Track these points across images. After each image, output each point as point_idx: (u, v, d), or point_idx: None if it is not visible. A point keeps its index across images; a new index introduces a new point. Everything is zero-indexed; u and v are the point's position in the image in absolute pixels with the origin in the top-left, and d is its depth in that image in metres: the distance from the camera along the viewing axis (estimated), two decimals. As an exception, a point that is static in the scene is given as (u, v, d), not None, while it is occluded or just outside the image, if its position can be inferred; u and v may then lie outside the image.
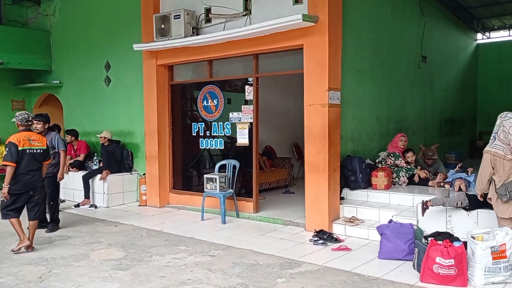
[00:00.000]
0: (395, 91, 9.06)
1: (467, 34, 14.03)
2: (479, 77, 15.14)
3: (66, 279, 4.84)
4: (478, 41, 15.01)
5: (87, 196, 9.11)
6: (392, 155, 7.66)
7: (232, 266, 5.21)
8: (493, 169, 4.72)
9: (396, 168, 7.58)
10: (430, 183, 7.35)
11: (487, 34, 14.99)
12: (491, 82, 14.86)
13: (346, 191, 7.35)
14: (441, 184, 6.98)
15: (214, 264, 5.26)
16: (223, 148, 8.48)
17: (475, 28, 14.30)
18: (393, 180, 7.51)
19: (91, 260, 5.49)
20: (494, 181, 4.75)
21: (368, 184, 7.29)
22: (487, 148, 4.81)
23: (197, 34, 8.02)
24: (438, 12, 11.34)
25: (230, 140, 8.37)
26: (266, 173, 10.07)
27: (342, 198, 7.25)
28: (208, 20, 8.07)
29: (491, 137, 4.82)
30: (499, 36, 15.04)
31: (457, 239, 4.89)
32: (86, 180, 9.09)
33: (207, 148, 8.63)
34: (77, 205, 9.05)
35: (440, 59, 11.60)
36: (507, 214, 4.71)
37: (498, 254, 4.53)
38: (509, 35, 14.88)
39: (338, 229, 6.61)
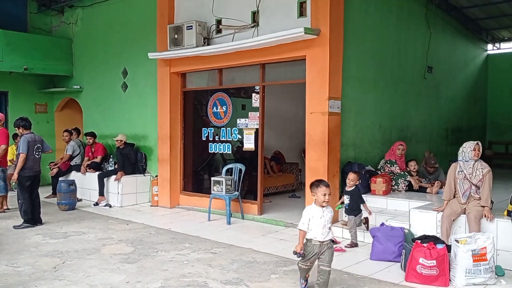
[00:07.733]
0: (399, 100, 9.32)
1: (477, 45, 14.17)
2: (489, 87, 15.24)
3: (78, 269, 5.28)
4: (489, 52, 15.13)
5: (101, 193, 9.58)
6: (388, 162, 7.94)
7: (231, 262, 5.58)
8: None
9: (395, 176, 7.86)
10: (428, 190, 7.63)
11: (497, 45, 15.11)
12: (502, 92, 14.96)
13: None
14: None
15: (215, 260, 5.65)
16: (230, 152, 8.89)
17: (485, 39, 14.43)
18: (393, 187, 7.79)
19: (102, 254, 5.94)
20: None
21: (367, 190, 7.58)
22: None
23: (208, 44, 8.46)
24: (445, 23, 11.55)
25: (240, 145, 8.76)
26: (273, 178, 10.43)
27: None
28: (218, 31, 8.52)
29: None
30: (510, 47, 15.16)
31: (442, 242, 5.17)
32: (101, 179, 9.59)
33: (217, 152, 9.04)
34: (96, 204, 9.54)
35: (447, 70, 11.80)
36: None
37: (478, 257, 4.82)
38: (520, 46, 15.01)
39: (336, 232, 6.91)
